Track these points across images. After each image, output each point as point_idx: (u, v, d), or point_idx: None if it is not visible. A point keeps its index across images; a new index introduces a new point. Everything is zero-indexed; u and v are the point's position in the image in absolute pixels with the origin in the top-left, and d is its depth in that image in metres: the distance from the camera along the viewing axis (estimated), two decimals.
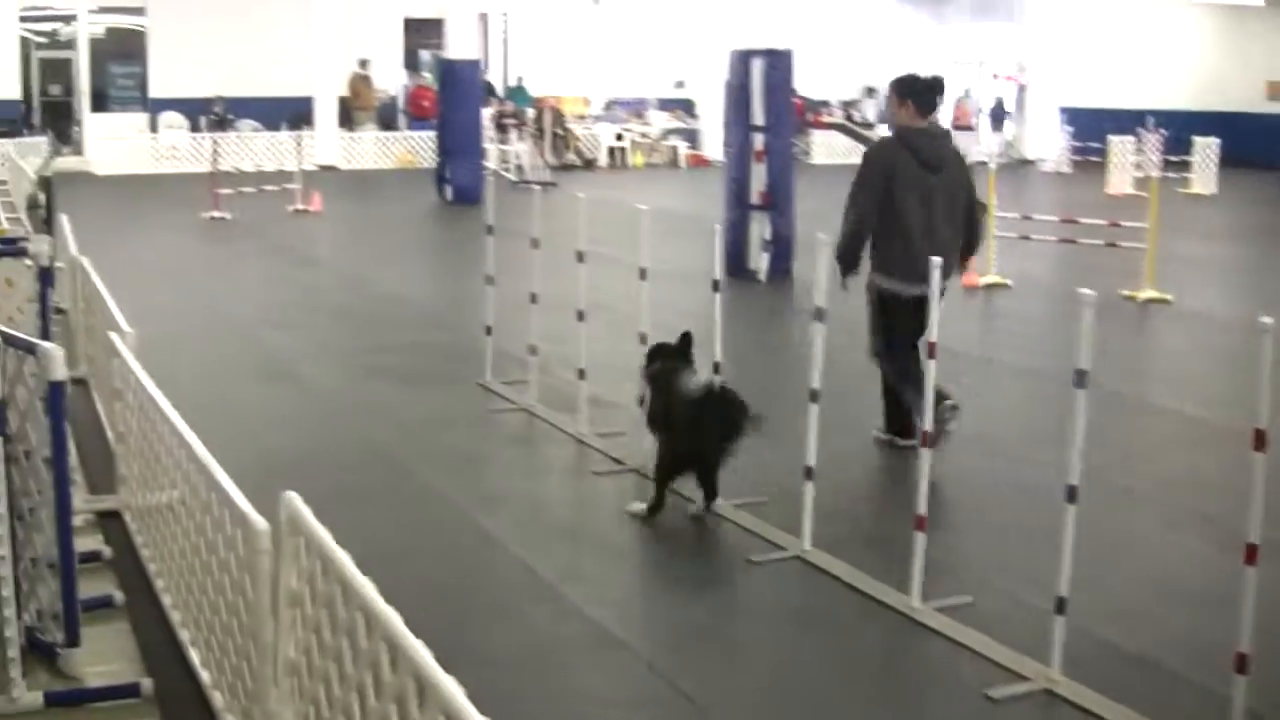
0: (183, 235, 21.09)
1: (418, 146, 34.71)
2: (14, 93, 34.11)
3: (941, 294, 6.93)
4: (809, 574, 7.14)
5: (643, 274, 9.04)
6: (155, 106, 35.62)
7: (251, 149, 32.85)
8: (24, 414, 5.57)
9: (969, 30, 45.39)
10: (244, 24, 35.04)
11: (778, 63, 17.12)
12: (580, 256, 9.73)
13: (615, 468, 8.94)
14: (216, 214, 22.71)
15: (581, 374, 9.76)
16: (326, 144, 33.99)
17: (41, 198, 15.06)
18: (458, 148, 26.42)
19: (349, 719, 3.89)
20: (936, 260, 6.70)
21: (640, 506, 8.00)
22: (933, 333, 6.67)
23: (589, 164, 36.20)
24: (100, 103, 35.50)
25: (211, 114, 35.22)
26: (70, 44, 35.69)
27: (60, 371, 5.26)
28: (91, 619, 6.02)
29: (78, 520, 5.97)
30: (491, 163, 30.91)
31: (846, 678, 6.10)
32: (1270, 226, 27.20)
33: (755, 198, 17.01)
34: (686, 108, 39.60)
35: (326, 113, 34.10)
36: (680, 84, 40.51)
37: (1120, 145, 31.25)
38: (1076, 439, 5.75)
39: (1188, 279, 17.46)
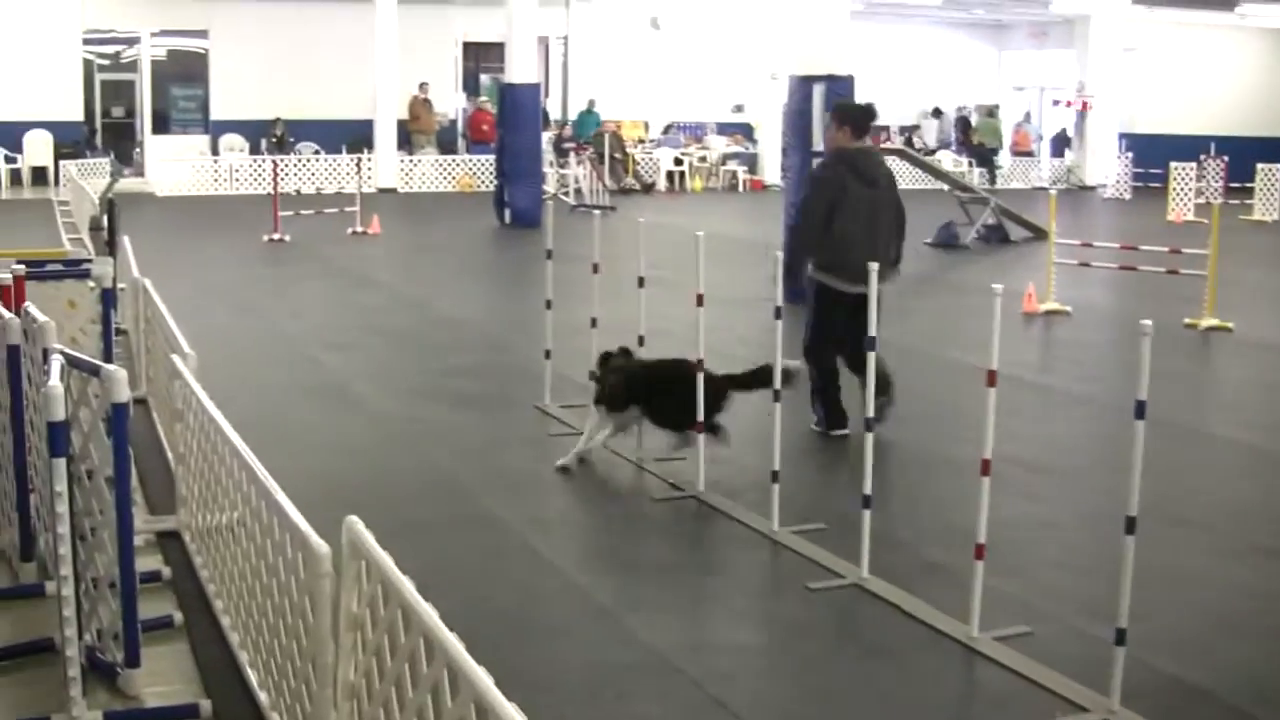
0: (242, 257, 21.23)
1: (477, 170, 34.83)
2: (77, 114, 34.43)
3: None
4: (867, 601, 7.12)
5: (700, 300, 9.04)
6: (216, 129, 35.94)
7: (311, 171, 33.05)
8: (87, 435, 5.62)
9: (1029, 56, 45.29)
10: (305, 47, 35.30)
11: (838, 89, 17.08)
12: (641, 282, 9.75)
13: (673, 493, 8.94)
14: (276, 236, 22.86)
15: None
16: (386, 167, 34.17)
17: (104, 220, 15.19)
18: (517, 171, 26.48)
19: None
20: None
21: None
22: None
23: (648, 188, 36.25)
24: (162, 124, 35.85)
25: (272, 136, 35.48)
26: (132, 66, 36.04)
27: (124, 393, 5.31)
28: (151, 639, 6.06)
29: (138, 540, 6.00)
30: (550, 186, 31.01)
31: (906, 708, 6.07)
32: None
33: None
34: (745, 132, 39.62)
35: (386, 136, 34.25)
36: (739, 108, 40.51)
37: (1181, 172, 31.05)
38: (1136, 470, 5.71)
39: (1249, 307, 17.33)
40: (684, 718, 5.89)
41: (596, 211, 13.37)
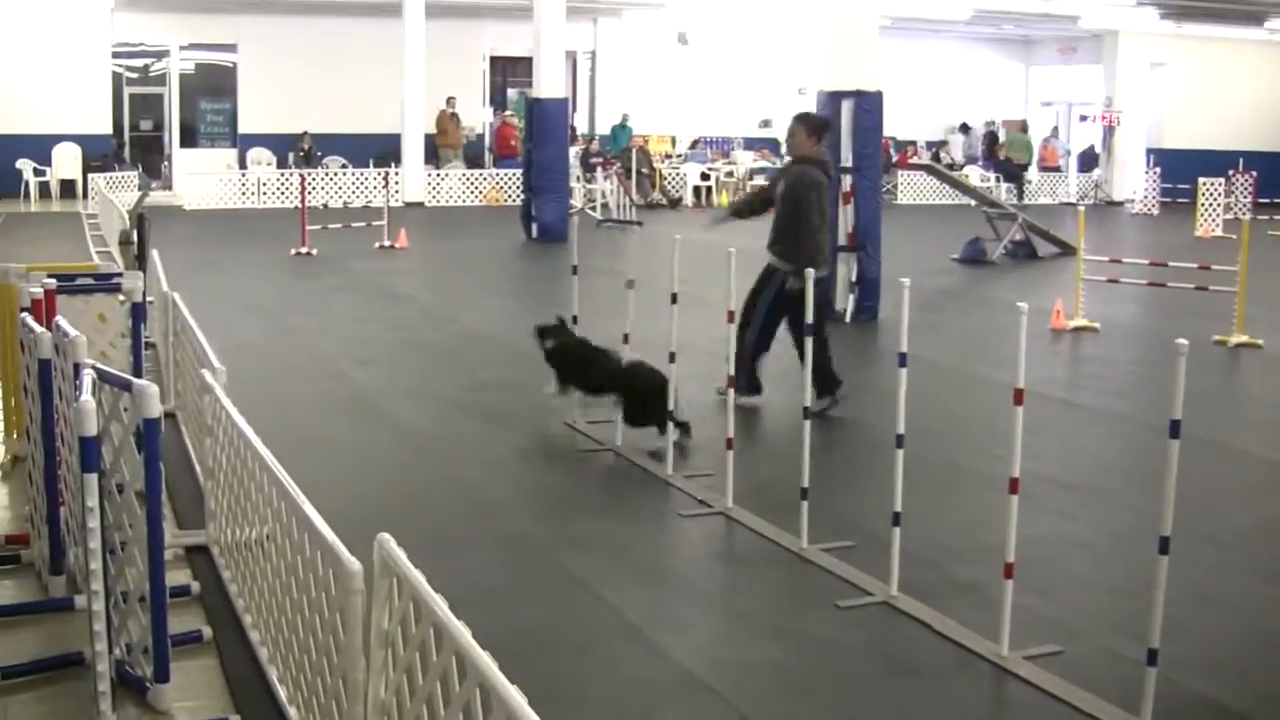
0: (270, 271, 21.28)
1: (504, 184, 34.89)
2: (105, 127, 34.59)
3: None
4: (897, 620, 7.09)
5: (730, 317, 9.04)
6: (244, 142, 36.09)
7: (339, 185, 33.13)
8: (118, 449, 5.63)
9: (1057, 72, 45.25)
10: (333, 61, 35.43)
11: (867, 104, 17.07)
12: (674, 298, 9.74)
13: (702, 510, 8.93)
14: (304, 250, 22.91)
15: (671, 415, 9.75)
16: (413, 181, 34.25)
17: (134, 234, 15.23)
18: (544, 186, 26.52)
19: None
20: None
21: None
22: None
23: (674, 203, 36.27)
24: (190, 138, 36.03)
25: (299, 150, 35.60)
26: (161, 79, 36.21)
27: (155, 409, 5.31)
28: (180, 654, 6.06)
29: (166, 554, 6.01)
30: (577, 201, 31.03)
31: None
32: None
33: (842, 238, 16.97)
34: (773, 147, 39.59)
35: (414, 150, 34.34)
36: (766, 123, 40.54)
37: (1209, 187, 30.98)
38: (1169, 490, 5.69)
39: (1279, 323, 17.27)
40: None
41: (635, 226, 13.34)
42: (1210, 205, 30.75)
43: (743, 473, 9.15)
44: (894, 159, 37.17)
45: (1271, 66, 43.43)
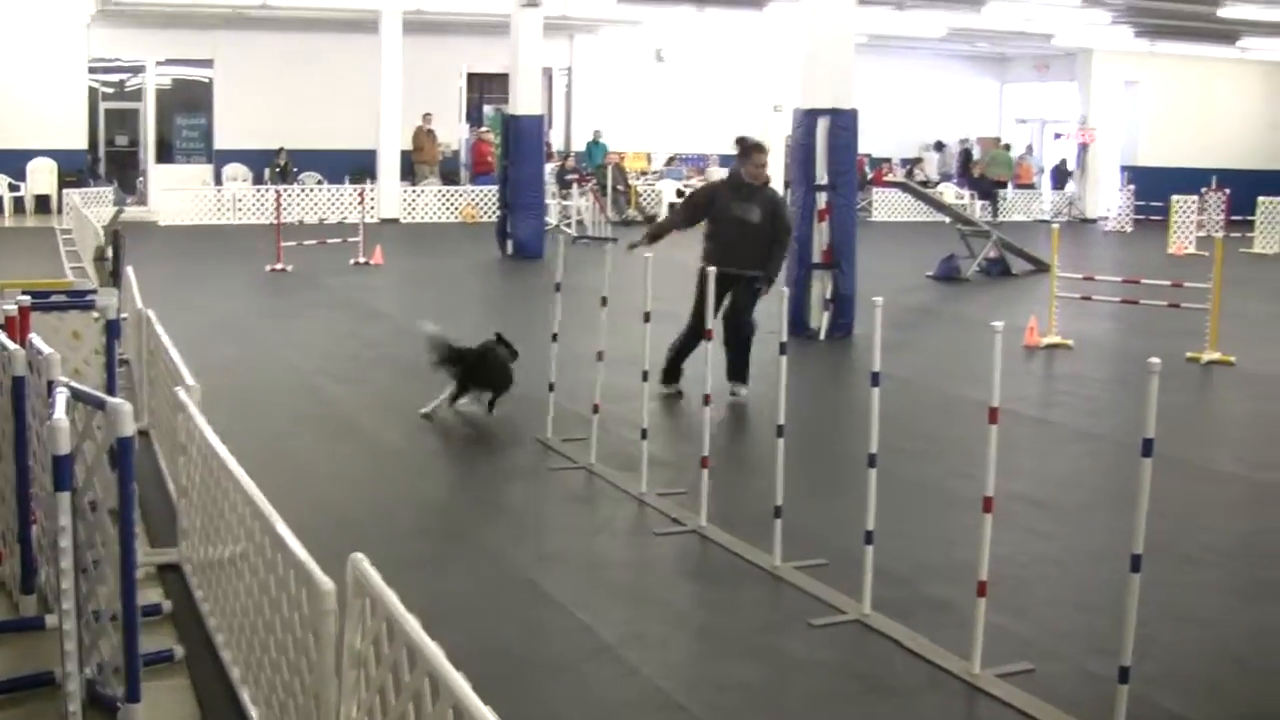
0: (246, 287, 21.25)
1: (480, 201, 34.87)
2: (81, 143, 34.52)
3: None
4: (869, 638, 7.10)
5: (708, 335, 9.05)
6: (220, 158, 36.01)
7: (314, 201, 33.08)
8: (91, 468, 5.61)
9: (1031, 89, 45.40)
10: (309, 77, 35.38)
11: (843, 121, 17.12)
12: (647, 316, 9.75)
13: (675, 528, 8.92)
14: (279, 266, 22.87)
15: (644, 433, 9.76)
16: (389, 197, 34.21)
17: (109, 250, 15.19)
18: (519, 202, 26.53)
19: None
20: None
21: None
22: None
23: (650, 220, 36.23)
24: (165, 153, 35.92)
25: (275, 166, 35.55)
26: (137, 95, 36.12)
27: (129, 427, 5.29)
28: (151, 673, 6.04)
29: (138, 573, 5.99)
30: (553, 218, 31.03)
31: None
32: None
33: (817, 256, 17.00)
34: None
35: (389, 166, 34.29)
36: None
37: (1183, 204, 31.09)
38: (1142, 509, 5.71)
39: (1251, 340, 17.32)
40: None
41: (610, 242, 13.36)
42: (1183, 223, 30.86)
43: (717, 491, 9.15)
44: (869, 176, 37.23)
45: (1244, 85, 43.67)
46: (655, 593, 7.98)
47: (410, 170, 35.75)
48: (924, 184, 37.97)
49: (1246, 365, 15.73)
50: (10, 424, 6.80)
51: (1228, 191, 34.24)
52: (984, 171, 40.73)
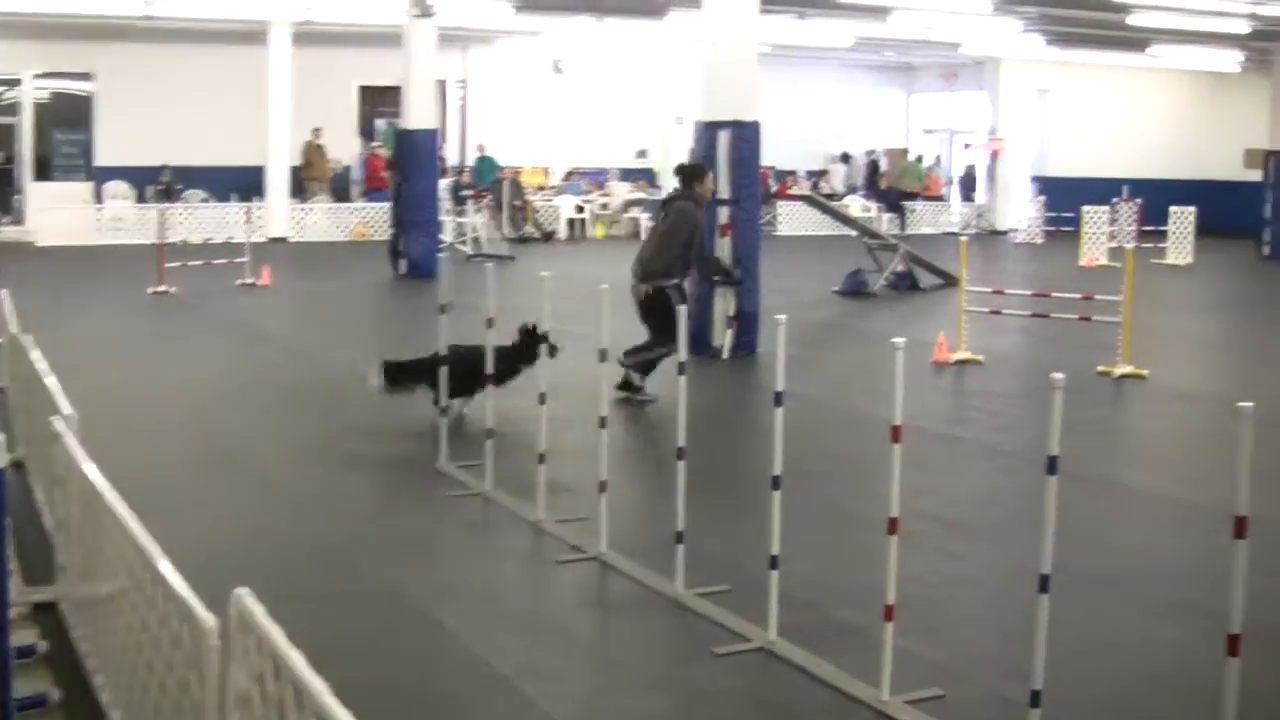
0: (127, 311, 21.04)
1: (372, 219, 34.73)
2: None
3: None
4: (775, 666, 7.12)
5: (603, 355, 9.06)
6: (100, 175, 35.62)
7: (199, 220, 32.77)
8: None
9: (939, 99, 45.80)
10: (194, 91, 35.06)
11: (745, 134, 17.16)
12: (545, 338, 9.75)
13: (575, 556, 8.92)
14: (162, 288, 22.67)
15: (541, 457, 9.75)
16: (277, 216, 34.01)
17: None
18: (413, 220, 26.46)
19: None
20: None
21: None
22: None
23: (548, 236, 36.30)
24: (44, 171, 35.49)
25: (159, 183, 35.23)
26: (13, 109, 35.67)
27: (1, 458, 5.23)
28: (26, 718, 5.96)
29: (12, 612, 5.91)
30: (448, 236, 30.96)
31: None
32: (1247, 297, 27.46)
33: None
34: (649, 178, 39.76)
35: (278, 183, 34.10)
36: (643, 154, 40.69)
37: (1094, 215, 31.48)
38: (1048, 527, 5.77)
39: (1164, 353, 17.57)
40: None
41: (508, 260, 13.34)
42: (1095, 234, 31.26)
43: (617, 516, 9.15)
44: (774, 189, 37.39)
45: (1155, 93, 44.30)
46: (554, 622, 7.97)
47: (300, 187, 35.56)
48: (830, 197, 38.21)
49: (1159, 379, 15.93)
50: None
51: (1140, 202, 34.70)
52: (893, 183, 41.04)
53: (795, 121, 40.12)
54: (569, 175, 39.82)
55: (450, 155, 38.43)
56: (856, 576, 8.49)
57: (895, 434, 6.56)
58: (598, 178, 39.59)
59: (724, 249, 17.03)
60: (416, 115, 26.56)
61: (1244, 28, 30.21)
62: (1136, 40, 34.99)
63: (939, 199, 42.72)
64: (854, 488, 10.89)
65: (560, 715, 6.47)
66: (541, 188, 38.55)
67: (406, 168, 26.70)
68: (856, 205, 38.77)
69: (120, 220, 33.06)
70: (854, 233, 28.33)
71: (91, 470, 6.25)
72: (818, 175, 43.04)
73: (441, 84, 36.31)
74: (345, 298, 23.88)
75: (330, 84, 36.83)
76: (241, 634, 4.35)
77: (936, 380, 15.85)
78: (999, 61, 41.09)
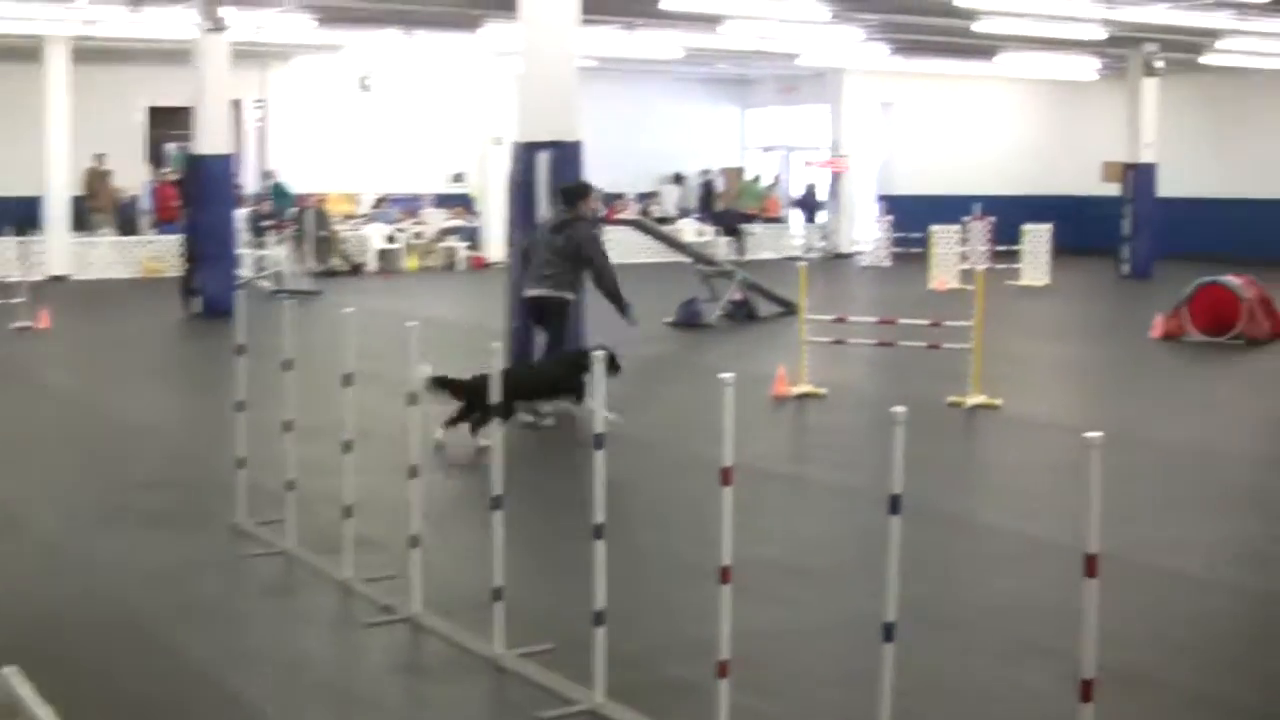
0: None
1: (163, 252, 34.31)
2: None
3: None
4: None
5: (412, 399, 9.02)
6: None
7: None
8: None
9: (777, 114, 46.19)
10: None
11: (566, 155, 17.15)
12: (347, 380, 9.69)
13: (386, 617, 8.87)
14: None
15: (348, 511, 9.68)
16: (57, 251, 33.45)
17: None
18: (208, 253, 26.18)
19: None
20: None
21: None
22: None
23: (357, 269, 36.04)
24: None
25: None
26: None
27: None
28: None
29: None
30: (247, 270, 30.69)
31: None
32: (1105, 319, 28.04)
33: None
34: (467, 204, 39.65)
35: (57, 215, 33.56)
36: (459, 178, 40.59)
37: (943, 235, 31.90)
38: (891, 571, 5.85)
39: (1019, 381, 17.88)
40: None
41: (313, 296, 13.26)
42: (945, 255, 31.69)
43: (431, 572, 9.10)
44: (601, 213, 37.48)
45: (1008, 103, 45.07)
46: (363, 691, 7.92)
47: (82, 220, 35.01)
48: (662, 220, 38.38)
49: (1013, 409, 16.19)
50: None
51: (992, 220, 35.26)
52: (729, 205, 41.30)
53: (623, 140, 40.28)
54: (379, 202, 39.54)
55: (248, 182, 38.10)
56: (690, 630, 8.51)
57: (726, 476, 6.61)
58: (410, 205, 39.38)
59: None
60: (210, 139, 26.29)
61: (1099, 33, 30.80)
62: (985, 48, 35.55)
63: (779, 221, 42.99)
64: (688, 534, 10.91)
65: None
66: (349, 216, 38.26)
67: (199, 197, 26.42)
68: (690, 229, 38.92)
69: None
70: (688, 259, 28.48)
71: None
72: (648, 198, 43.17)
73: (237, 104, 36.01)
74: (133, 341, 23.58)
75: (115, 105, 36.40)
76: (8, 717, 4.29)
77: (776, 416, 15.97)
78: (841, 73, 41.42)
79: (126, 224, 36.47)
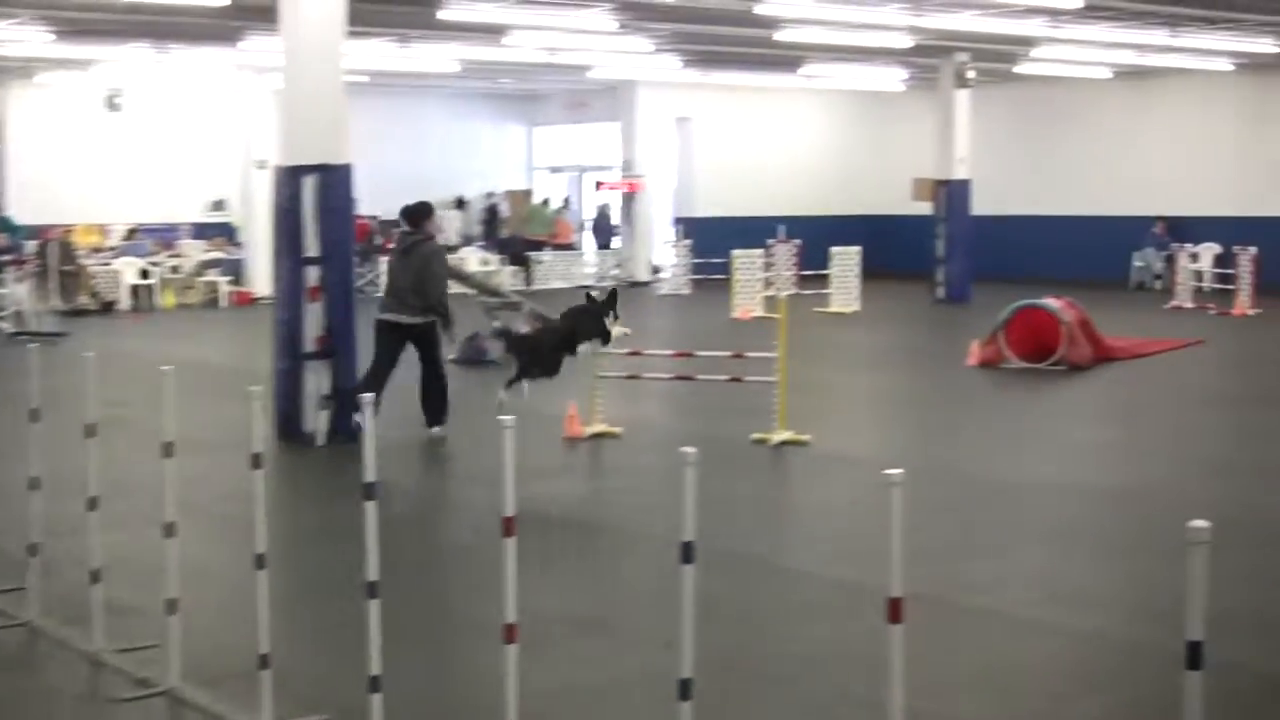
0: None
1: None
2: None
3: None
4: None
5: (168, 449, 8.91)
6: None
7: None
8: None
9: (567, 132, 46.27)
10: None
11: (334, 179, 17.00)
12: (90, 430, 9.54)
13: (141, 691, 8.73)
14: None
15: (95, 576, 9.51)
16: None
17: None
18: None
19: None
20: None
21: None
22: None
23: (108, 307, 35.45)
24: None
25: None
26: None
27: None
28: None
29: None
30: None
31: None
32: (920, 347, 28.43)
33: (310, 344, 16.86)
34: (229, 234, 39.21)
35: None
36: (219, 205, 40.17)
37: (746, 260, 32.08)
38: (686, 622, 5.87)
39: (828, 415, 18.08)
40: None
41: (57, 338, 13.06)
42: (748, 281, 31.86)
43: (192, 640, 8.97)
44: (376, 243, 37.33)
45: (814, 118, 45.53)
46: None
47: None
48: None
49: (823, 445, 16.32)
50: None
51: (799, 242, 35.60)
52: (516, 231, 41.31)
53: (400, 163, 40.18)
54: (131, 234, 38.95)
55: None
56: (475, 692, 8.50)
57: (508, 526, 6.61)
58: (166, 236, 38.88)
59: (315, 316, 16.86)
60: None
61: (906, 42, 31.21)
62: (789, 59, 35.85)
63: (570, 248, 43.01)
64: (473, 590, 10.87)
65: None
66: (97, 249, 37.66)
67: None
68: (474, 258, 38.84)
69: None
70: (470, 291, 28.36)
71: None
72: None
73: None
74: None
75: None
76: None
77: (569, 458, 15.98)
78: (633, 87, 41.52)
79: None
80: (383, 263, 37.21)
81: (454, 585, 11.06)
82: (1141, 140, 40.11)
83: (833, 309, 32.51)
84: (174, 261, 37.53)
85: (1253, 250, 32.11)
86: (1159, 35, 30.65)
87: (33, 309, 31.09)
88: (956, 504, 13.69)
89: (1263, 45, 32.11)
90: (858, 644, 9.60)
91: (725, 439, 16.33)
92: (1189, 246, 36.18)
